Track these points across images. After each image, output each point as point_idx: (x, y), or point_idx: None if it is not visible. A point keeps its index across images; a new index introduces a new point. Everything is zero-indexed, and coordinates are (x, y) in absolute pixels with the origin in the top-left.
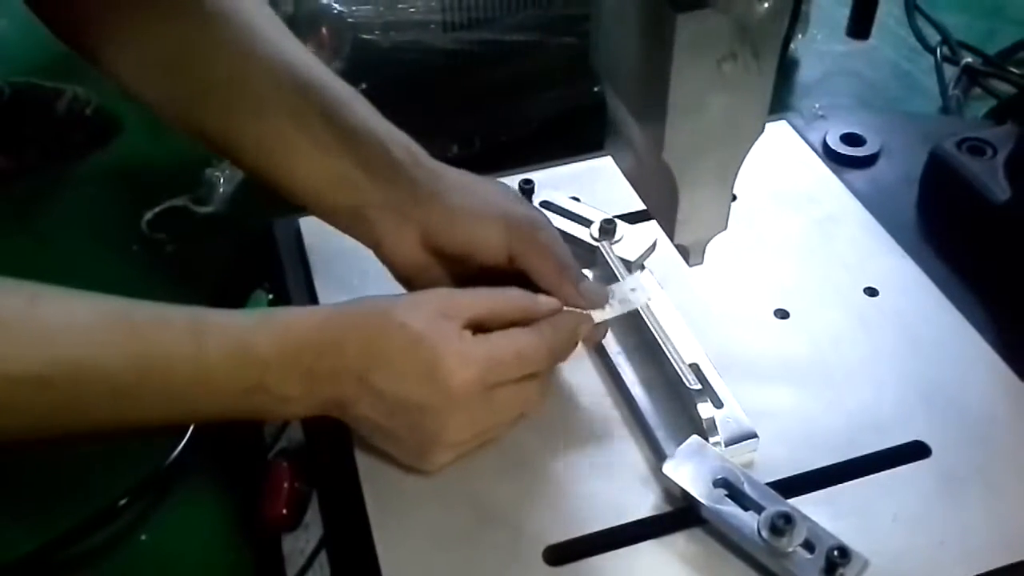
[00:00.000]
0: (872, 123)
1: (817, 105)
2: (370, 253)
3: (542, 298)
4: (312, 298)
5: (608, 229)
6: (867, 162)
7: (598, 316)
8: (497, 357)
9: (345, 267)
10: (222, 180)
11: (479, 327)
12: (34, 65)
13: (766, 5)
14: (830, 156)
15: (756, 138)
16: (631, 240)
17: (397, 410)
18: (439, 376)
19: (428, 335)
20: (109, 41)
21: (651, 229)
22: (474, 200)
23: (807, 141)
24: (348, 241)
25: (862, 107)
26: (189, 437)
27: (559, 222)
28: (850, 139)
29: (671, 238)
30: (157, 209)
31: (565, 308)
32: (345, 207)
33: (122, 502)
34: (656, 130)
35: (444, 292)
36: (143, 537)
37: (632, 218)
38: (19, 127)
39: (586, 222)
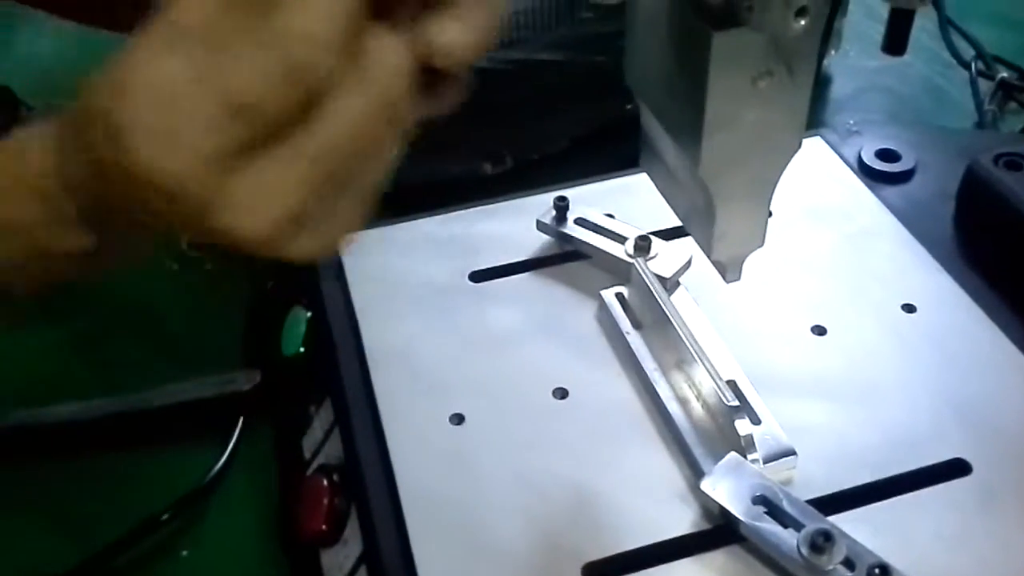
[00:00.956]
0: (907, 138)
1: (851, 121)
2: (410, 270)
3: None
4: (351, 316)
5: (643, 246)
6: (903, 178)
7: None
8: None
9: (384, 284)
10: None
11: None
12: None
13: (802, 23)
14: (865, 172)
15: (793, 154)
16: (666, 257)
17: None
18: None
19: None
20: None
21: (686, 245)
22: None
23: (842, 157)
24: (387, 258)
25: (896, 122)
26: (230, 452)
27: (593, 239)
28: (885, 155)
29: (708, 254)
30: None
31: None
32: None
33: (163, 516)
34: (692, 147)
35: None
36: (184, 552)
37: (667, 234)
38: None
39: (620, 239)
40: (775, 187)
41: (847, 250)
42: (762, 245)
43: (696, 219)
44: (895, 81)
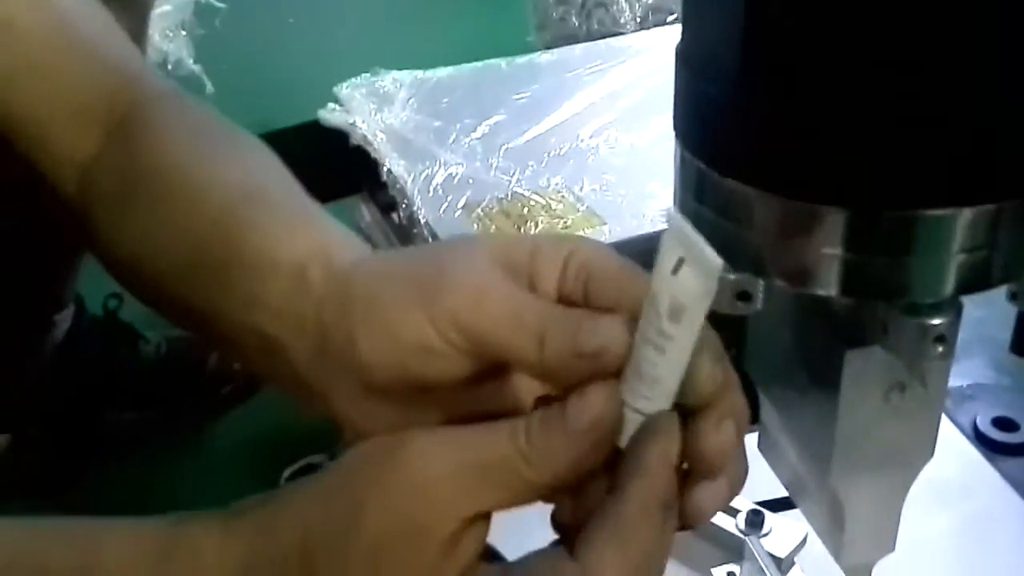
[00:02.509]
0: None
1: (965, 383)
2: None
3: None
4: None
5: (756, 521)
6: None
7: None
8: None
9: None
10: None
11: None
12: None
13: (940, 349)
14: (982, 441)
15: (926, 462)
16: (780, 533)
17: None
18: None
19: None
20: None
21: (800, 521)
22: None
23: (956, 423)
24: None
25: (1013, 388)
26: None
27: None
28: (1003, 423)
29: (836, 559)
30: (295, 466)
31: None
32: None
33: None
34: (822, 457)
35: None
36: None
37: (777, 505)
38: (171, 379)
39: (732, 511)
40: (907, 493)
41: (967, 534)
42: (893, 550)
43: (823, 521)
44: (1000, 331)
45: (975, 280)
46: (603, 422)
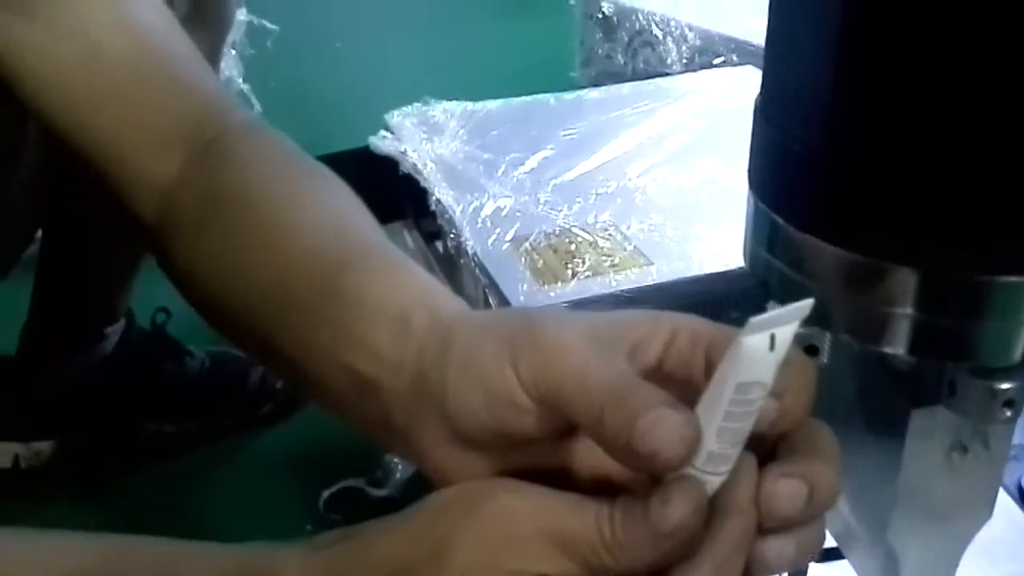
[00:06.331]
0: None
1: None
2: None
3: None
4: None
5: (799, 572)
6: None
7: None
8: None
9: None
10: (400, 466)
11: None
12: None
13: (1008, 413)
14: None
15: (984, 522)
16: None
17: None
18: None
19: None
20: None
21: (847, 573)
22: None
23: (1002, 484)
24: None
25: None
26: None
27: None
28: None
29: None
30: (334, 488)
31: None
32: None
33: None
34: (879, 511)
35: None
36: None
37: (823, 556)
38: (213, 395)
39: None
40: (963, 552)
41: None
42: None
43: (873, 574)
44: None
45: None
46: (687, 526)
